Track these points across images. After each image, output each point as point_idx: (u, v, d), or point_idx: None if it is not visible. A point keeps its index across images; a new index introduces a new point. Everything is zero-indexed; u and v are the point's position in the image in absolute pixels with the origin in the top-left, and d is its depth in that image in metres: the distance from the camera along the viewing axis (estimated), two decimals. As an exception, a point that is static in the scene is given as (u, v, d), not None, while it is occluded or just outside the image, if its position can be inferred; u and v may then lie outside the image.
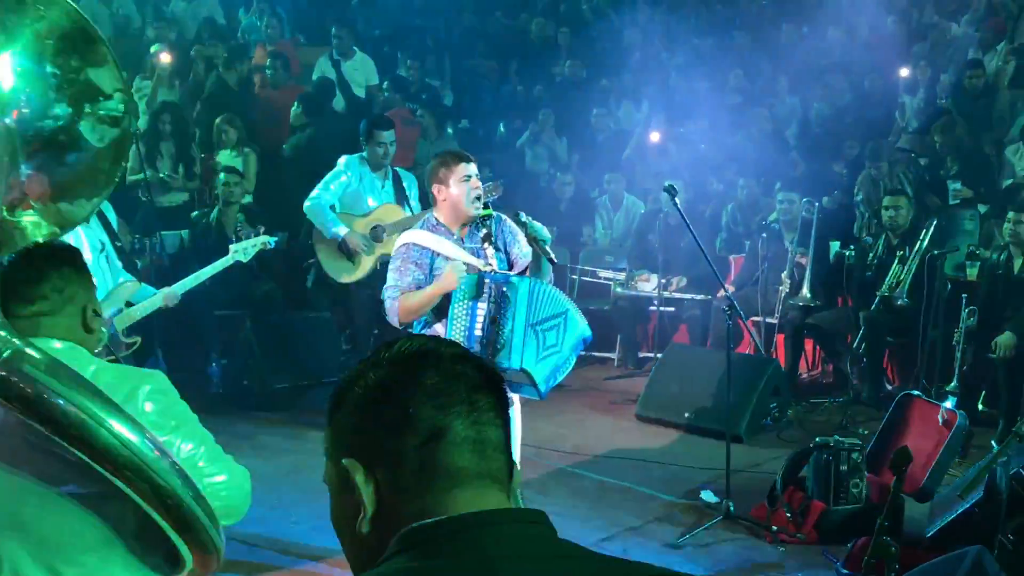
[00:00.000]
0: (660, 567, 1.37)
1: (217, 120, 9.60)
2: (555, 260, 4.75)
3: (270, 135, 10.32)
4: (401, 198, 7.46)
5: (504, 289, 4.58)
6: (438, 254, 4.70)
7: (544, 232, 4.73)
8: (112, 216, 6.19)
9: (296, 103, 9.85)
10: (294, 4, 13.37)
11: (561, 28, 13.22)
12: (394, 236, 7.22)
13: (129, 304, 5.83)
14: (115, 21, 11.95)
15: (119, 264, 5.92)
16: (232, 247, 6.63)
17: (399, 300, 4.63)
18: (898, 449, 3.60)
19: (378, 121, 7.59)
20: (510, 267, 4.84)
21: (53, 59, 2.63)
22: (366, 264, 7.35)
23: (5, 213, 2.65)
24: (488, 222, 4.81)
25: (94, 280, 2.74)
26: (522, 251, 4.85)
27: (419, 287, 4.65)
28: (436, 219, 4.78)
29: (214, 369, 8.23)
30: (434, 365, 1.36)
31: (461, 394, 1.35)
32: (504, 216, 4.92)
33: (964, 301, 7.19)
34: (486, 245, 4.75)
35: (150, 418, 2.48)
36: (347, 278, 7.47)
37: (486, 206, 4.79)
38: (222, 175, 8.37)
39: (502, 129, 12.15)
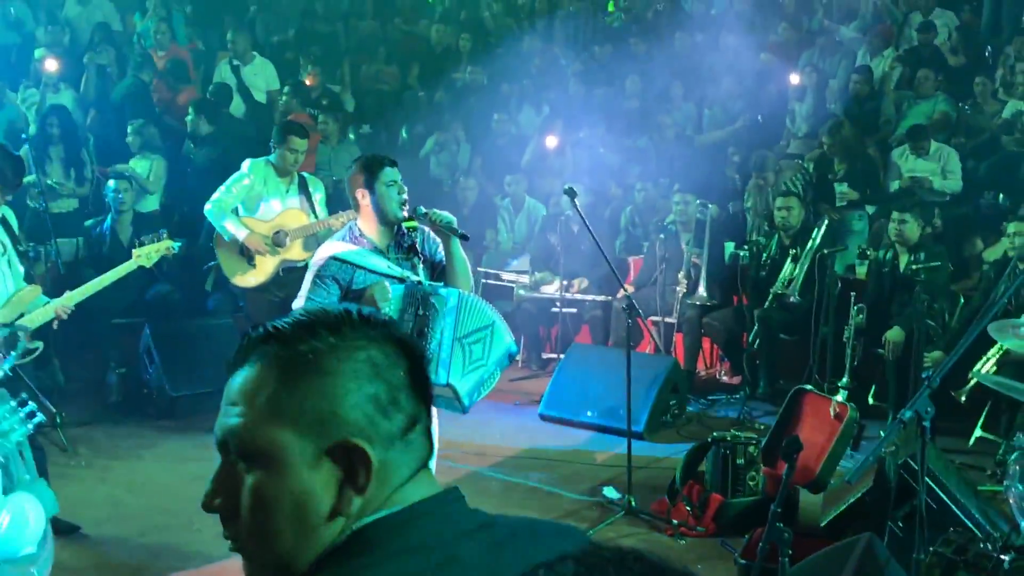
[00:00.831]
0: (560, 523, 1.44)
1: (130, 127, 9.47)
2: (467, 236, 4.70)
3: (169, 140, 10.20)
4: (306, 203, 7.37)
5: (432, 300, 4.48)
6: (360, 268, 4.53)
7: (447, 215, 4.62)
8: (13, 220, 6.05)
9: (191, 108, 9.72)
10: (193, 9, 13.20)
11: (462, 34, 13.28)
12: (297, 241, 7.22)
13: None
14: (7, 22, 11.67)
15: (20, 270, 5.78)
16: (135, 251, 6.52)
17: None
18: (789, 438, 3.73)
19: (294, 128, 7.45)
20: (434, 277, 4.70)
21: None
22: (267, 267, 7.25)
23: None
24: (413, 233, 4.69)
25: None
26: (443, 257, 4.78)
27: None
28: (359, 229, 4.62)
29: (112, 378, 8.09)
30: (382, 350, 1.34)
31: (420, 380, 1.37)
32: (426, 227, 4.77)
33: (852, 299, 7.45)
34: (411, 255, 4.63)
35: None
36: (247, 282, 7.36)
37: (410, 217, 4.66)
38: (111, 182, 8.25)
39: (404, 134, 12.17)
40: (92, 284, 6.24)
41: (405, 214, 4.61)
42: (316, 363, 1.29)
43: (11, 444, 3.81)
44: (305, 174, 7.58)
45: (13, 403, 3.95)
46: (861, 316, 7.36)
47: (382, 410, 1.30)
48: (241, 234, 7.16)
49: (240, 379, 1.33)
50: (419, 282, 4.56)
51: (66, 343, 7.94)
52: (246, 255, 7.25)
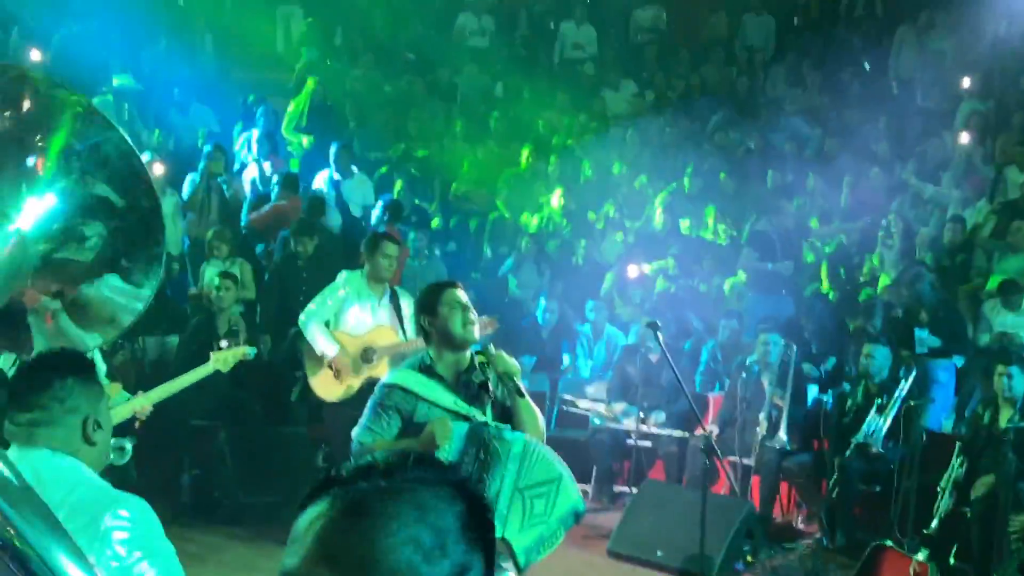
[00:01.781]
0: None
1: (208, 234, 9.72)
2: (524, 392, 4.43)
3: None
4: (397, 318, 7.44)
5: (495, 444, 4.20)
6: (423, 399, 4.34)
7: (512, 364, 4.42)
8: None
9: (294, 228, 9.91)
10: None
11: (552, 159, 13.51)
12: (384, 359, 7.25)
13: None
14: (120, 122, 12.14)
15: (103, 367, 5.90)
16: (213, 355, 6.64)
17: (371, 446, 4.29)
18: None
19: (384, 235, 7.63)
20: (503, 420, 4.42)
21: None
22: (352, 384, 7.28)
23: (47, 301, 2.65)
24: (487, 369, 4.42)
25: (104, 390, 2.72)
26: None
27: (394, 435, 4.33)
28: (430, 358, 4.43)
29: (185, 479, 8.14)
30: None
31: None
32: None
33: (957, 449, 7.26)
34: (483, 394, 4.35)
35: (116, 548, 2.40)
36: (332, 395, 7.39)
37: (481, 351, 4.44)
38: (215, 279, 8.41)
39: (488, 253, 12.32)
40: (168, 385, 6.35)
41: (476, 335, 4.43)
42: (364, 505, 1.28)
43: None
44: (396, 288, 7.65)
45: None
46: (962, 468, 7.16)
47: (424, 555, 1.26)
48: (331, 350, 7.23)
49: (302, 519, 1.33)
50: (484, 423, 4.29)
51: (142, 440, 8.02)
52: (333, 369, 7.31)
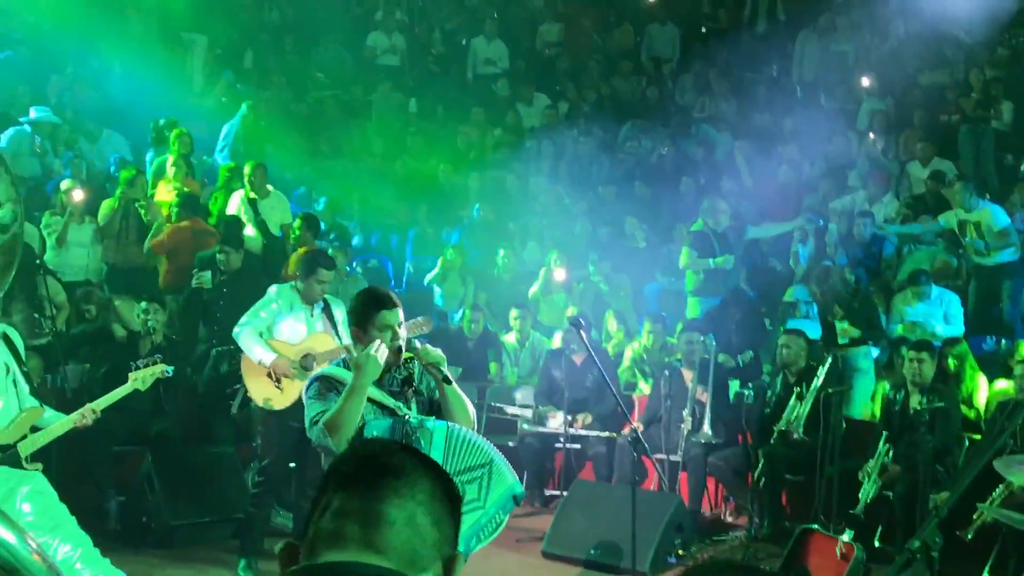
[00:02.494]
0: None
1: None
2: (451, 379, 4.44)
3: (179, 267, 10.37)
4: (331, 327, 7.45)
5: (416, 435, 4.19)
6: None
7: (437, 354, 4.44)
8: (17, 339, 6.10)
9: (220, 244, 9.82)
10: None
11: (471, 172, 13.62)
12: (323, 365, 7.22)
13: (35, 429, 5.71)
14: (31, 151, 11.98)
15: (26, 389, 5.81)
16: (131, 375, 6.58)
17: (325, 417, 4.26)
18: (797, 567, 3.70)
19: (322, 260, 7.56)
20: (431, 413, 4.48)
21: None
22: (293, 391, 7.25)
23: None
24: (410, 364, 4.51)
25: None
26: None
27: None
28: (354, 357, 4.44)
29: (112, 505, 8.01)
30: None
31: None
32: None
33: (884, 436, 7.47)
34: (405, 388, 4.45)
35: (28, 519, 2.43)
36: (276, 404, 7.34)
37: (407, 346, 4.46)
38: (143, 304, 8.32)
39: (411, 269, 12.35)
40: (91, 405, 6.28)
41: (401, 348, 4.42)
42: None
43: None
44: (328, 296, 7.64)
45: None
46: (889, 455, 7.38)
47: None
48: (268, 359, 7.18)
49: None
50: (405, 416, 4.33)
51: (64, 469, 7.89)
52: (273, 378, 7.27)
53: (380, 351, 4.27)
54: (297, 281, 7.40)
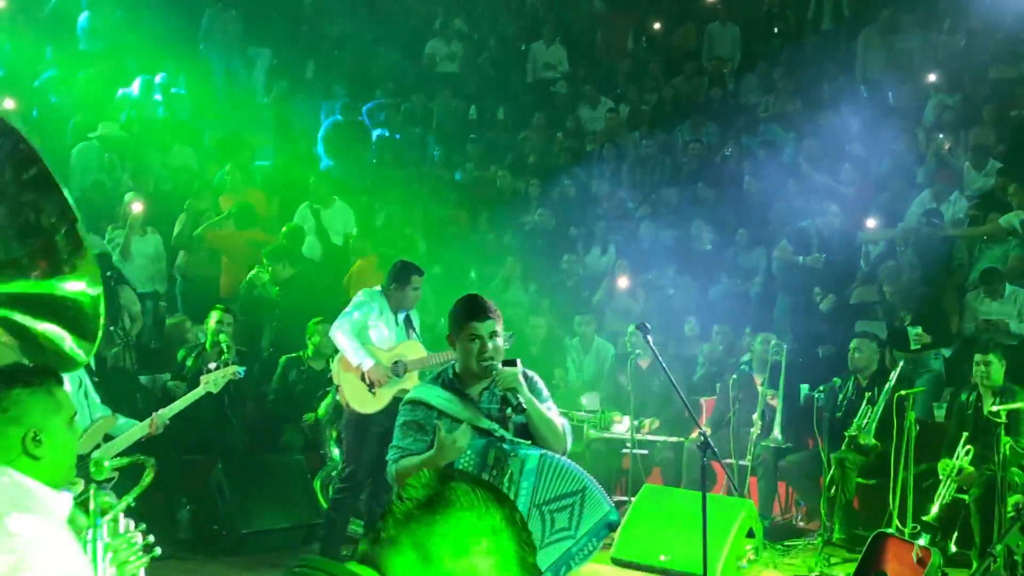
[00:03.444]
0: None
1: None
2: (523, 407, 4.18)
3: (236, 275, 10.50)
4: (414, 334, 7.51)
5: (508, 461, 4.08)
6: (445, 414, 4.23)
7: (511, 378, 4.21)
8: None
9: (266, 257, 9.94)
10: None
11: (531, 180, 13.61)
12: (414, 373, 7.29)
13: (109, 437, 5.81)
14: (100, 164, 12.21)
15: (97, 399, 5.92)
16: (203, 378, 6.67)
17: (398, 464, 4.23)
18: (876, 572, 3.62)
19: (414, 267, 7.62)
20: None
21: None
22: (384, 397, 7.26)
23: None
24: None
25: (62, 407, 2.65)
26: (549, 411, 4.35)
27: (422, 450, 4.20)
28: (453, 372, 4.34)
29: (183, 514, 8.10)
30: None
31: None
32: (533, 374, 4.44)
33: (964, 439, 7.33)
34: (504, 408, 4.23)
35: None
36: (365, 408, 7.35)
37: (513, 363, 4.28)
38: (214, 313, 8.40)
39: (473, 275, 12.36)
40: (166, 411, 6.38)
41: (495, 367, 4.21)
42: None
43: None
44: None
45: (136, 531, 3.84)
46: (968, 456, 7.23)
47: None
48: (368, 363, 7.20)
49: None
50: (500, 439, 4.17)
51: (132, 478, 7.99)
52: (366, 381, 7.28)
53: (462, 437, 4.11)
54: (385, 288, 7.44)
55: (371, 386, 7.24)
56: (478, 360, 4.22)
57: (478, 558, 1.62)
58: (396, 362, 7.28)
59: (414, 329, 7.52)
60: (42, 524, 2.36)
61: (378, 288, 7.52)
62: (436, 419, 4.21)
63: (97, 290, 2.90)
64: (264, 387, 9.24)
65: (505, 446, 4.13)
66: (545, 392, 4.42)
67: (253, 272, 10.06)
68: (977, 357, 7.75)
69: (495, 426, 4.23)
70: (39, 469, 2.57)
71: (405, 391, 7.06)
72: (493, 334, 4.24)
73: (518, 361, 4.33)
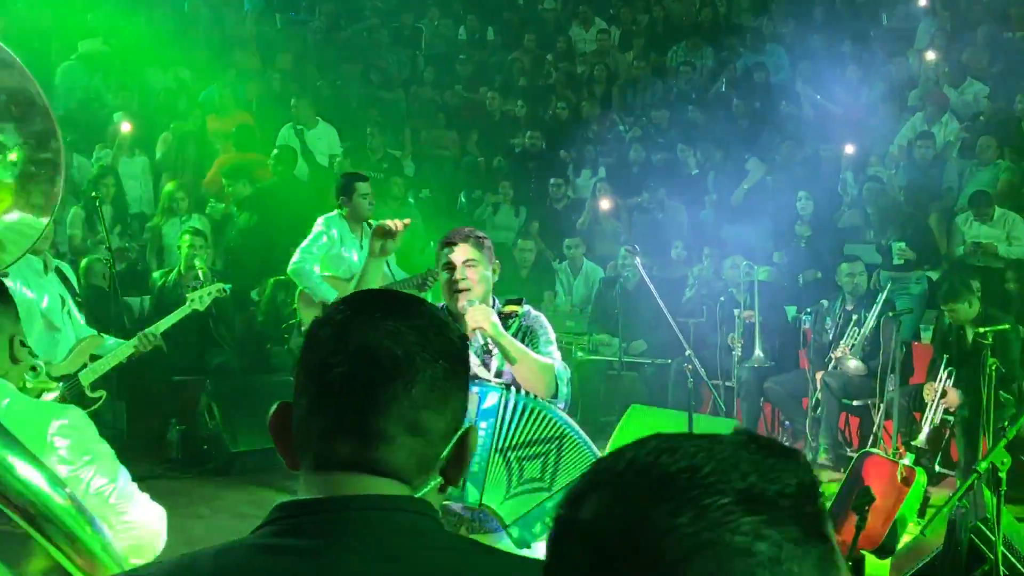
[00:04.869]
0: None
1: (168, 187, 9.66)
2: (491, 348, 3.83)
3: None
4: None
5: (475, 391, 3.51)
6: None
7: (474, 319, 3.74)
8: (70, 273, 6.16)
9: (224, 175, 9.86)
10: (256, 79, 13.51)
11: (519, 101, 13.48)
12: None
13: (95, 357, 5.79)
14: (87, 84, 12.04)
15: (80, 319, 5.88)
16: (188, 296, 6.64)
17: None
18: (861, 489, 3.65)
19: (355, 175, 7.60)
20: None
21: None
22: None
23: None
24: (509, 321, 3.91)
25: (18, 312, 2.70)
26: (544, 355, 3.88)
27: None
28: (448, 311, 3.80)
29: (172, 434, 8.14)
30: None
31: None
32: (538, 313, 4.04)
33: (944, 361, 7.36)
34: (488, 357, 3.87)
35: (61, 453, 2.44)
36: None
37: (518, 302, 3.96)
38: (187, 236, 8.35)
39: (463, 199, 12.30)
40: (158, 325, 6.35)
41: (461, 304, 3.80)
42: None
43: None
44: (373, 222, 7.63)
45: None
46: (951, 380, 7.28)
47: None
48: (329, 296, 7.20)
49: None
50: (473, 376, 3.64)
51: (127, 399, 8.03)
52: None
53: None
54: (343, 209, 7.39)
55: None
56: (450, 292, 3.82)
57: None
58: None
59: None
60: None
61: (335, 213, 7.47)
62: None
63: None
64: (252, 308, 9.23)
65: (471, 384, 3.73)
66: (546, 337, 3.96)
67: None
68: (942, 307, 7.70)
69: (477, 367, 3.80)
70: (14, 374, 2.63)
71: None
72: (470, 263, 3.82)
73: (523, 301, 4.00)
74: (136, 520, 2.54)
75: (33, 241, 2.75)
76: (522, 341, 3.87)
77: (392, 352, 1.37)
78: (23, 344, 2.63)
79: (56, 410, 2.54)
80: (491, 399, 3.54)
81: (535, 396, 3.64)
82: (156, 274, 8.67)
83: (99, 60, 12.25)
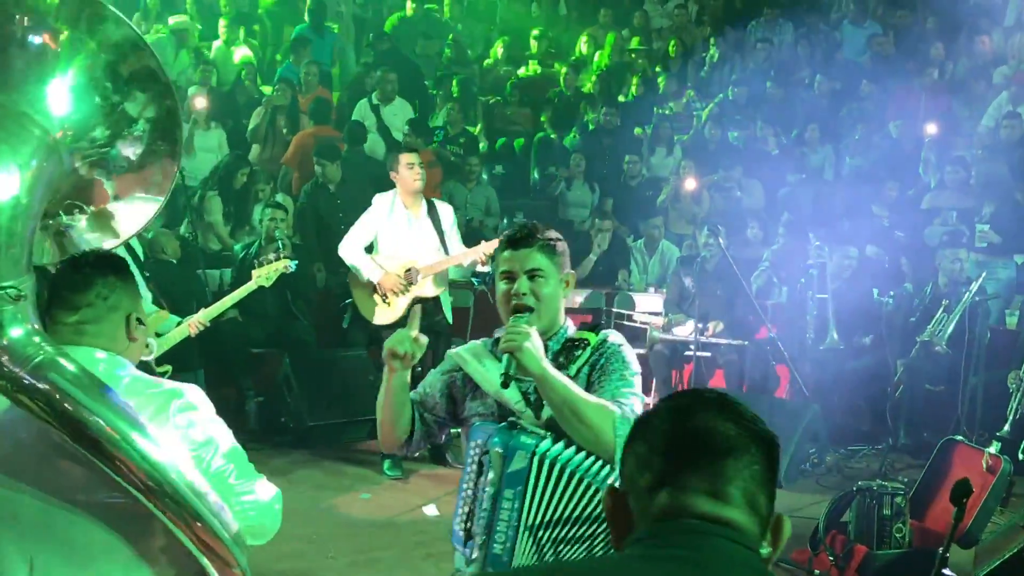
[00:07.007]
0: None
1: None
2: (511, 379, 2.88)
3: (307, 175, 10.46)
4: (437, 231, 7.49)
5: (495, 451, 2.79)
6: (469, 380, 3.07)
7: (513, 339, 2.86)
8: (137, 246, 6.24)
9: (316, 156, 9.88)
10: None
11: (593, 77, 13.37)
12: (428, 278, 7.33)
13: (157, 335, 5.88)
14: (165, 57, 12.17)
15: (147, 296, 5.96)
16: (254, 272, 6.72)
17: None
18: (959, 480, 3.57)
19: (398, 147, 7.71)
20: None
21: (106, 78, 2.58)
22: (400, 305, 7.39)
23: (63, 218, 2.65)
24: (576, 353, 3.02)
25: (139, 289, 2.73)
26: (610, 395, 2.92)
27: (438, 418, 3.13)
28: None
29: (251, 406, 8.24)
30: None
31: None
32: (621, 341, 3.05)
33: None
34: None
35: (182, 432, 2.45)
36: (382, 319, 7.53)
37: (595, 328, 3.09)
38: (267, 210, 8.42)
39: (536, 176, 12.24)
40: (219, 304, 6.44)
41: (525, 314, 2.98)
42: None
43: None
44: (434, 199, 7.70)
45: None
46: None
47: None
48: (376, 276, 7.33)
49: None
50: (513, 423, 2.89)
51: (206, 372, 8.13)
52: (380, 293, 7.42)
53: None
54: (396, 186, 7.48)
55: (384, 296, 7.35)
56: (505, 305, 3.02)
57: None
58: (408, 269, 7.33)
59: (439, 224, 7.47)
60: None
61: (389, 191, 7.55)
62: (461, 384, 3.09)
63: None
64: (332, 284, 9.29)
65: (494, 439, 2.82)
66: (621, 373, 2.96)
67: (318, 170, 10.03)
68: None
69: (519, 403, 2.95)
70: (134, 352, 2.65)
71: (420, 298, 7.15)
72: (536, 273, 2.99)
73: (601, 326, 3.12)
74: (254, 501, 2.55)
75: (148, 220, 2.77)
76: (588, 377, 2.98)
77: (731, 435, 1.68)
78: (140, 323, 2.64)
79: (176, 389, 2.56)
80: (518, 459, 2.75)
81: (585, 453, 2.79)
82: (237, 246, 8.76)
83: (185, 35, 12.43)
